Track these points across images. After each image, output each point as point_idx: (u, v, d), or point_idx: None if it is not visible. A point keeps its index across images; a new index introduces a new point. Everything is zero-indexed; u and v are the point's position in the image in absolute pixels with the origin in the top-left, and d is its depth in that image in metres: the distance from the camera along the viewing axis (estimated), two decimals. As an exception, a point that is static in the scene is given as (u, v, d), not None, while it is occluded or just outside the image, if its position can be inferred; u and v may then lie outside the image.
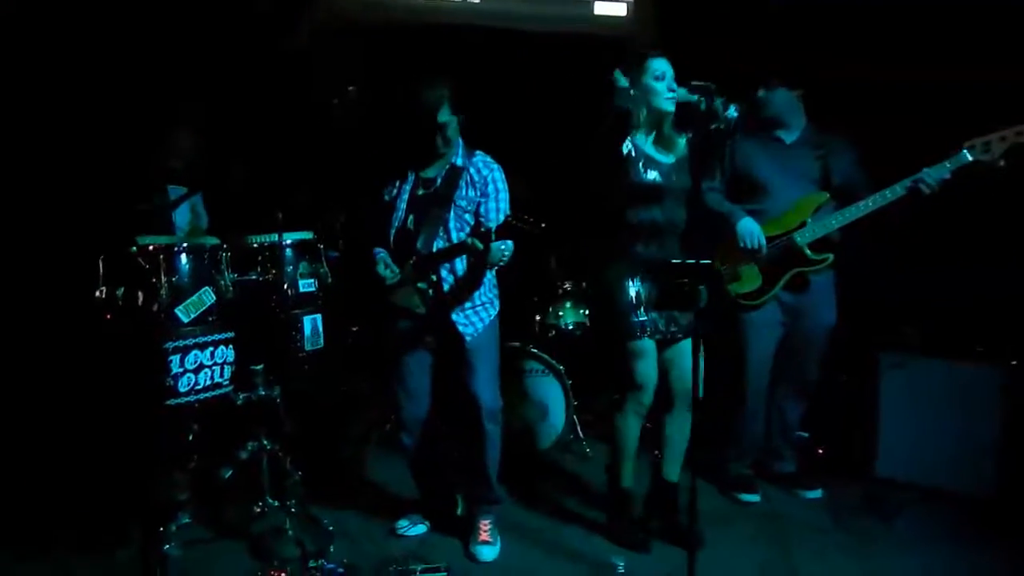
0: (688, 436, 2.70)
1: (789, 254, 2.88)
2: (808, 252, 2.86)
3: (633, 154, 2.51)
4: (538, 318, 3.84)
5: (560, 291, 3.83)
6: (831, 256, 2.87)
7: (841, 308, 3.05)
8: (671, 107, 2.50)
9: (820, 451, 3.46)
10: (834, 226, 2.81)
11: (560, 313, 3.78)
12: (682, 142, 2.61)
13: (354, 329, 3.73)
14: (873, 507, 2.97)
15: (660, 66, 2.49)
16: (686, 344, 2.62)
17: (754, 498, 3.07)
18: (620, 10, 4.34)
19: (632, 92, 2.48)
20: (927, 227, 3.35)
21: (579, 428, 3.63)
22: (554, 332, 3.78)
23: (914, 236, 3.43)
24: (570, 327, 3.76)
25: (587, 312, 3.77)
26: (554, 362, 3.53)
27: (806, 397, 3.15)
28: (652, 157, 2.57)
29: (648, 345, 2.58)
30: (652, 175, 2.54)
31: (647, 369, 2.59)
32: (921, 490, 3.04)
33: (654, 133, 2.60)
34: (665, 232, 2.58)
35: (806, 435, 3.43)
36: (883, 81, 3.69)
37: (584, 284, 3.83)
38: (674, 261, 2.39)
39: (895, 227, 2.97)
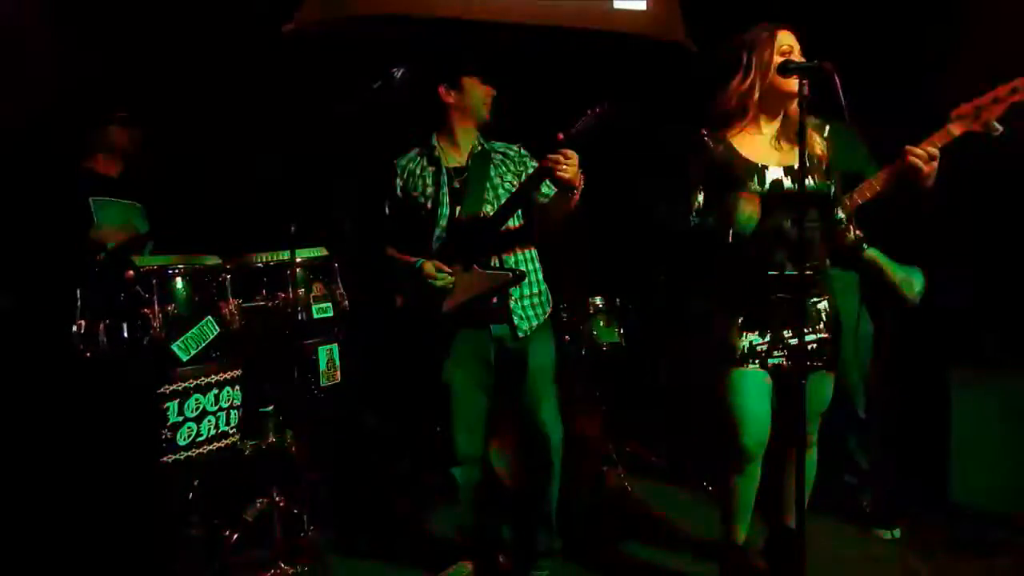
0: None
1: None
2: None
3: (750, 157, 2.01)
4: (567, 337, 3.48)
5: (591, 308, 3.47)
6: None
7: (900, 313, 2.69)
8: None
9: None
10: None
11: (593, 332, 3.43)
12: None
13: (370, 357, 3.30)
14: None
15: (788, 40, 1.95)
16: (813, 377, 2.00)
17: None
18: (640, 4, 4.05)
19: (748, 76, 1.95)
20: (1004, 217, 3.00)
21: (616, 459, 3.28)
22: (585, 352, 3.43)
23: (989, 228, 3.06)
24: (604, 348, 3.41)
25: (622, 331, 3.45)
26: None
27: (854, 418, 2.78)
28: (774, 156, 2.05)
29: (754, 378, 2.02)
30: (774, 176, 2.00)
31: (754, 409, 2.02)
32: (1004, 519, 2.71)
33: (776, 126, 2.06)
34: (794, 245, 1.98)
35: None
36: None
37: (618, 300, 3.49)
38: (777, 272, 1.96)
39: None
